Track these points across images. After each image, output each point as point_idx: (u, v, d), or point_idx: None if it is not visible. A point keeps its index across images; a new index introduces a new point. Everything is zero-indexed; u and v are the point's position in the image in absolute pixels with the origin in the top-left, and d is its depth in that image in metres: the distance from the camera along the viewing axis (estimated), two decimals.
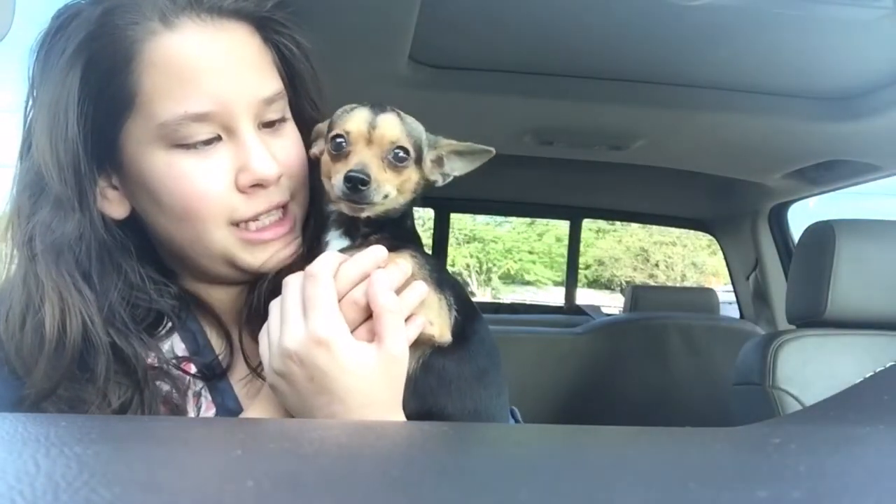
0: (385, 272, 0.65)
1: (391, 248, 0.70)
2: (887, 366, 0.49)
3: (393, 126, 0.72)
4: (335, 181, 0.70)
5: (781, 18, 1.41)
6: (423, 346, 0.70)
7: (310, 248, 0.78)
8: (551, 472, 0.31)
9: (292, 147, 0.77)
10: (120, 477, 0.26)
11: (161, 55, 0.66)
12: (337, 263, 0.65)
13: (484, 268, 18.41)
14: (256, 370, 0.75)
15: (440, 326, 0.70)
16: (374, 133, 0.71)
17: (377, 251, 0.67)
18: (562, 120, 2.14)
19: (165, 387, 0.71)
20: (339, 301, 0.64)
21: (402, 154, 0.72)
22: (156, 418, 0.65)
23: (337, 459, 0.34)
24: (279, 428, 0.47)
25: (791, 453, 0.36)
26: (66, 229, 0.67)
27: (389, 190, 0.72)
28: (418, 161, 0.75)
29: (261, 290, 0.76)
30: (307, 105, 0.82)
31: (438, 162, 0.79)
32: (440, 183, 0.80)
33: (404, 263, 0.68)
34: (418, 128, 0.76)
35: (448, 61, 1.76)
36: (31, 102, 0.70)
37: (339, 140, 0.72)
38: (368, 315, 0.65)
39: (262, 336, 0.68)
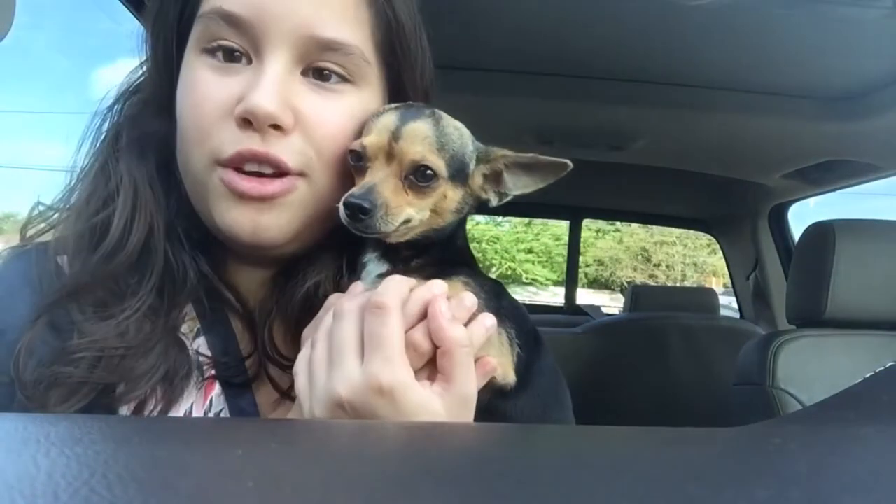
0: (447, 304, 0.56)
1: (438, 275, 0.60)
2: (887, 366, 0.48)
3: (418, 139, 0.60)
4: (341, 203, 0.60)
5: (781, 18, 1.41)
6: (484, 390, 0.59)
7: (346, 270, 0.69)
8: (551, 472, 0.31)
9: (333, 114, 0.64)
10: (120, 477, 0.26)
11: None
12: (407, 294, 0.56)
13: (483, 268, 18.36)
14: (288, 392, 0.67)
15: (502, 366, 0.61)
16: (395, 146, 0.60)
17: (436, 287, 0.57)
18: (562, 120, 2.14)
19: (187, 403, 0.65)
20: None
21: (428, 172, 0.61)
22: (156, 419, 0.64)
23: (337, 459, 0.34)
24: (279, 428, 0.47)
25: (791, 453, 0.36)
26: (153, 126, 0.67)
27: (413, 214, 0.61)
28: (459, 177, 0.64)
29: (290, 296, 0.68)
30: (410, 92, 0.71)
31: (494, 177, 0.67)
32: (495, 203, 0.67)
33: (468, 297, 0.58)
34: (460, 138, 0.64)
35: (448, 61, 1.76)
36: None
37: (356, 153, 0.62)
38: (427, 360, 0.56)
39: (300, 373, 0.57)
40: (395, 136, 0.60)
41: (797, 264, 1.81)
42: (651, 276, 18.24)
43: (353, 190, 0.60)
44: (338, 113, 0.64)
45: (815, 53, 1.60)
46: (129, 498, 0.24)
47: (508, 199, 0.68)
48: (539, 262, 18.39)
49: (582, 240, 3.94)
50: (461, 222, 0.68)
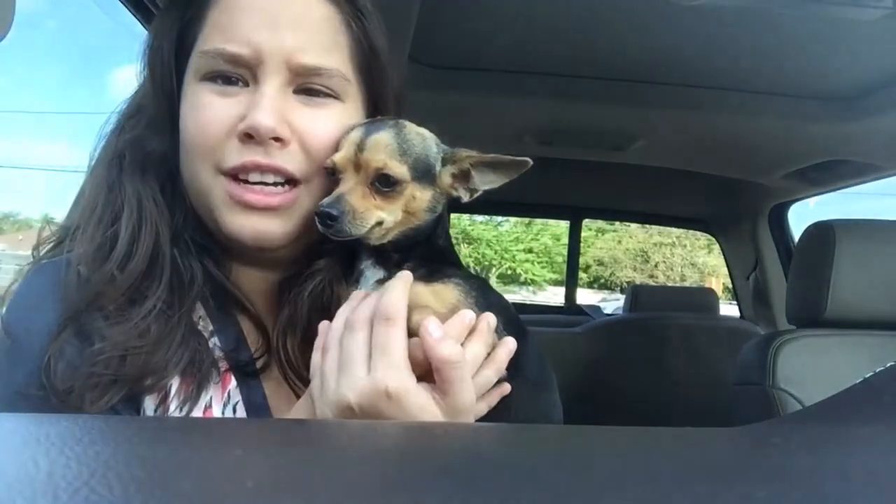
0: (437, 323, 0.60)
1: (428, 278, 0.66)
2: (887, 366, 0.49)
3: (379, 149, 0.66)
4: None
5: (781, 18, 1.41)
6: None
7: (345, 276, 0.75)
8: (552, 472, 0.31)
9: (323, 125, 0.71)
10: (120, 477, 0.26)
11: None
12: (406, 302, 0.61)
13: (482, 268, 18.41)
14: (294, 382, 0.73)
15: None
16: (361, 157, 0.67)
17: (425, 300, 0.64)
18: (562, 120, 2.14)
19: (206, 397, 0.70)
20: None
21: (391, 179, 0.66)
22: (156, 418, 0.65)
23: (337, 459, 0.34)
24: (279, 428, 0.47)
25: (791, 453, 0.36)
26: (154, 146, 0.74)
27: (384, 216, 0.67)
28: (426, 178, 0.69)
29: (298, 299, 0.73)
30: (385, 101, 0.79)
31: (463, 176, 0.72)
32: (466, 199, 0.73)
33: (468, 314, 0.63)
34: (422, 143, 0.70)
35: (448, 61, 1.76)
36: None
37: (328, 167, 0.69)
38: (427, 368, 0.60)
39: (314, 377, 0.63)
40: (360, 147, 0.67)
41: (797, 264, 1.81)
42: (651, 277, 18.25)
43: (324, 199, 0.67)
44: (327, 124, 0.72)
45: (814, 53, 1.60)
46: (129, 498, 0.24)
47: (478, 194, 0.73)
48: (538, 262, 18.40)
49: (582, 239, 3.95)
50: (440, 221, 0.73)
